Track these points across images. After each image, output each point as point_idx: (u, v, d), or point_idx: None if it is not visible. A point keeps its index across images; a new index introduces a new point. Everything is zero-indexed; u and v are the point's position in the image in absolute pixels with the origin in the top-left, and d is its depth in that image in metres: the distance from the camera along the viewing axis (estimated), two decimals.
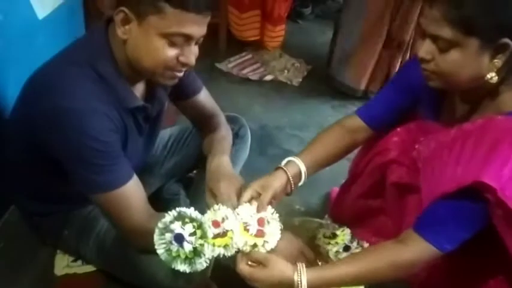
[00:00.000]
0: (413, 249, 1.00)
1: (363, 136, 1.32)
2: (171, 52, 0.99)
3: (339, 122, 1.34)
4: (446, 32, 0.92)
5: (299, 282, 0.98)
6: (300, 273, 0.99)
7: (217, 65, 2.63)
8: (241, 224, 1.04)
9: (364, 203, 1.42)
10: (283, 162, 1.18)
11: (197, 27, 0.98)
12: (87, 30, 1.93)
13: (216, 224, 1.00)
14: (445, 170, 0.97)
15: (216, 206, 1.03)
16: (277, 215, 1.06)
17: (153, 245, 0.99)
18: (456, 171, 0.94)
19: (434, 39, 0.96)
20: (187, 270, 0.99)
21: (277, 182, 1.13)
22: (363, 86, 2.40)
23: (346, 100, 2.39)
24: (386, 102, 1.30)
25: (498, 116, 0.96)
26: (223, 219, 1.01)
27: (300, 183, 1.20)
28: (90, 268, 1.38)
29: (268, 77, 2.58)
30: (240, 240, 1.02)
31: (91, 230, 1.26)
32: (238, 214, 1.04)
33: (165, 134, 1.55)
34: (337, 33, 2.41)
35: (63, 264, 1.40)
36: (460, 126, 1.01)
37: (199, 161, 1.55)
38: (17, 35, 1.49)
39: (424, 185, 1.05)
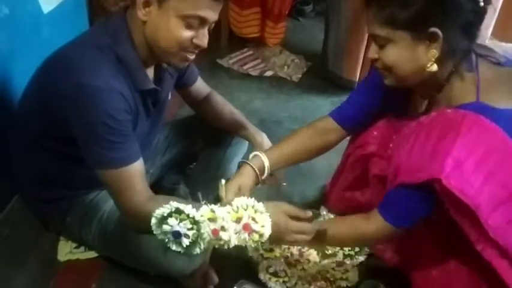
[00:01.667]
0: (374, 225, 1.13)
1: (335, 136, 1.38)
2: (187, 33, 1.07)
3: (312, 123, 1.41)
4: (379, 31, 1.01)
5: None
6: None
7: (219, 61, 2.66)
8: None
9: (351, 195, 1.47)
10: (250, 155, 1.30)
11: (211, 11, 1.06)
12: (96, 20, 1.97)
13: (215, 232, 1.04)
14: (400, 161, 1.05)
15: (215, 207, 1.05)
16: (262, 204, 1.07)
17: (149, 226, 1.05)
18: (408, 163, 1.02)
19: (374, 38, 1.05)
20: (182, 251, 1.07)
21: (249, 179, 1.24)
22: (358, 77, 2.40)
23: (345, 96, 2.36)
24: (357, 103, 1.35)
25: (448, 110, 1.01)
26: (222, 228, 1.04)
27: (263, 176, 1.29)
28: (92, 254, 1.42)
29: (269, 73, 2.60)
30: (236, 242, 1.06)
31: (93, 216, 1.30)
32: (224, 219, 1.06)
33: (167, 126, 1.60)
34: (328, 27, 2.42)
35: (66, 251, 1.44)
36: (418, 119, 1.08)
37: (198, 153, 1.61)
38: (23, 29, 1.52)
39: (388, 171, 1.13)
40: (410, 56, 1.01)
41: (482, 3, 0.97)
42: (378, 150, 1.30)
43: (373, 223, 1.13)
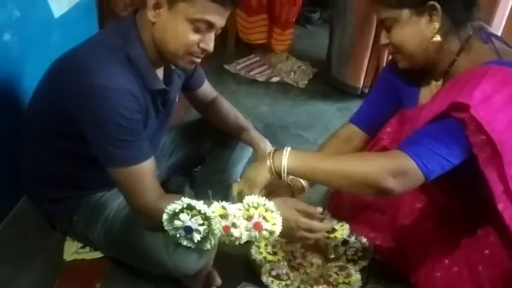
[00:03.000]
0: (395, 158, 1.04)
1: (358, 142, 1.41)
2: (194, 37, 1.09)
3: (334, 134, 1.44)
4: (384, 13, 1.11)
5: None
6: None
7: (226, 66, 2.69)
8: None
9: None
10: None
11: (219, 17, 1.09)
12: (106, 25, 2.00)
13: (226, 229, 1.07)
14: (426, 111, 1.10)
15: (226, 204, 1.08)
16: (272, 202, 1.08)
17: (161, 223, 1.07)
18: (436, 103, 1.07)
19: (382, 23, 1.14)
20: (193, 247, 1.10)
21: (283, 193, 1.26)
22: (362, 83, 2.42)
23: (351, 102, 2.43)
24: (374, 105, 1.39)
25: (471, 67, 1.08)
26: (233, 224, 1.06)
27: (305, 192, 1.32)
28: (97, 254, 1.44)
29: (275, 79, 2.63)
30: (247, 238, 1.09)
31: (99, 216, 1.31)
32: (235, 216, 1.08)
33: (173, 129, 1.62)
34: (333, 34, 2.44)
35: (72, 251, 1.45)
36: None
37: (204, 156, 1.63)
38: (34, 33, 1.55)
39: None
40: (415, 31, 1.10)
41: None
42: (389, 144, 1.32)
43: (395, 156, 1.04)
